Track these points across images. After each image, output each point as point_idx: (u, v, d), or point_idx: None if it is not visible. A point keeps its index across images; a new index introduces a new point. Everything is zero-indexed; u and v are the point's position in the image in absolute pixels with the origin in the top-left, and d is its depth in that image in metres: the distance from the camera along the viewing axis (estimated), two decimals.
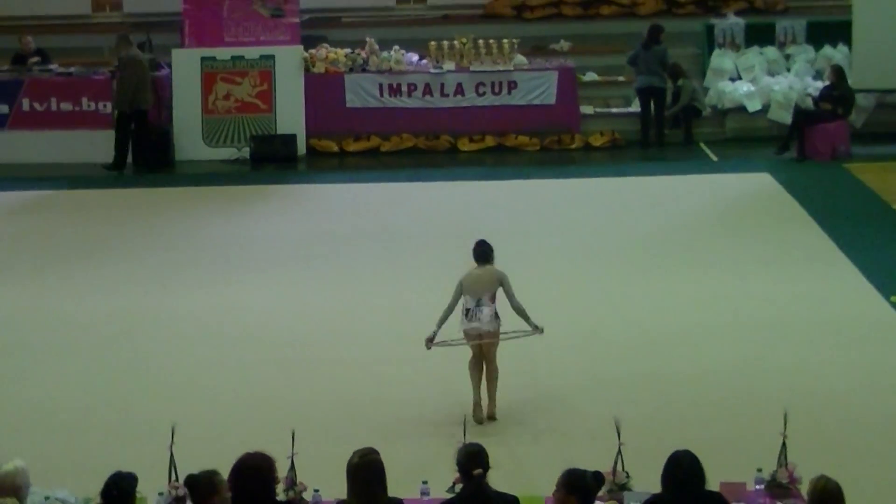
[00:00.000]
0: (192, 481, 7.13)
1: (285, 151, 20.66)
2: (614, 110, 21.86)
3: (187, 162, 20.69)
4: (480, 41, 21.34)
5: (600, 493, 8.17)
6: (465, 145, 21.11)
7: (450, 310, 10.67)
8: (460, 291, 10.69)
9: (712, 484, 7.54)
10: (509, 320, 10.71)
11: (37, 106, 20.94)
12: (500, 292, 10.67)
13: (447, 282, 10.91)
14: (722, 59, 22.17)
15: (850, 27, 20.86)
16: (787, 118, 20.76)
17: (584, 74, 21.96)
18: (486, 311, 10.58)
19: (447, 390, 10.64)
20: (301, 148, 20.82)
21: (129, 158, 20.32)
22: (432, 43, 21.41)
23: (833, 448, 9.90)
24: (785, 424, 8.64)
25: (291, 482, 8.56)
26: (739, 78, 21.98)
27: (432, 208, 17.65)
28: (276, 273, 14.86)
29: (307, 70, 21.17)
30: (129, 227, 16.87)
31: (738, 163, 19.84)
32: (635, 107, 21.55)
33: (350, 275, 14.72)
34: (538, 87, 21.25)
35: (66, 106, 20.90)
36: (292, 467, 8.54)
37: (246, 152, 20.82)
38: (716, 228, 16.34)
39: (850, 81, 20.52)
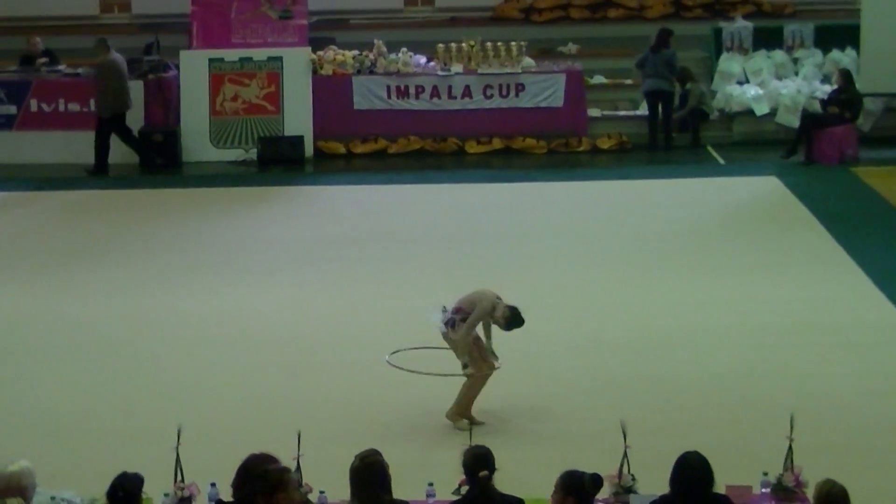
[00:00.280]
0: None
1: (292, 153, 20.64)
2: (622, 113, 21.83)
3: (194, 163, 20.70)
4: (488, 44, 21.32)
5: (606, 496, 8.18)
6: (472, 148, 21.09)
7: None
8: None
9: (718, 487, 7.55)
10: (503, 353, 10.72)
11: (44, 107, 20.95)
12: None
13: (453, 284, 10.90)
14: (730, 63, 22.16)
15: (858, 31, 20.82)
16: (795, 122, 20.74)
17: (591, 77, 21.94)
18: (441, 316, 10.49)
19: (453, 393, 10.63)
20: (308, 150, 20.81)
21: (137, 160, 20.37)
22: (440, 45, 21.40)
23: (839, 452, 9.88)
24: (791, 428, 8.62)
25: (297, 484, 8.56)
26: (747, 81, 21.97)
27: (439, 211, 17.63)
28: (282, 275, 14.86)
29: (315, 72, 21.16)
30: (136, 229, 16.87)
31: (746, 166, 19.82)
32: (643, 110, 21.52)
33: (357, 277, 14.71)
34: (546, 90, 21.23)
35: (74, 107, 20.92)
36: (298, 469, 8.53)
37: (253, 154, 20.82)
38: (723, 232, 16.31)
39: (857, 85, 20.49)
